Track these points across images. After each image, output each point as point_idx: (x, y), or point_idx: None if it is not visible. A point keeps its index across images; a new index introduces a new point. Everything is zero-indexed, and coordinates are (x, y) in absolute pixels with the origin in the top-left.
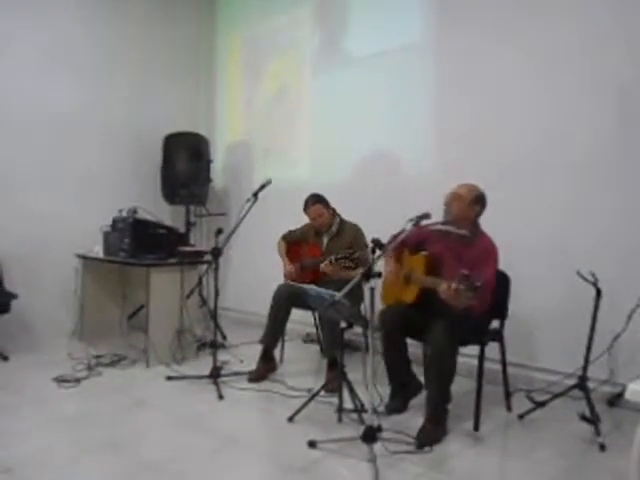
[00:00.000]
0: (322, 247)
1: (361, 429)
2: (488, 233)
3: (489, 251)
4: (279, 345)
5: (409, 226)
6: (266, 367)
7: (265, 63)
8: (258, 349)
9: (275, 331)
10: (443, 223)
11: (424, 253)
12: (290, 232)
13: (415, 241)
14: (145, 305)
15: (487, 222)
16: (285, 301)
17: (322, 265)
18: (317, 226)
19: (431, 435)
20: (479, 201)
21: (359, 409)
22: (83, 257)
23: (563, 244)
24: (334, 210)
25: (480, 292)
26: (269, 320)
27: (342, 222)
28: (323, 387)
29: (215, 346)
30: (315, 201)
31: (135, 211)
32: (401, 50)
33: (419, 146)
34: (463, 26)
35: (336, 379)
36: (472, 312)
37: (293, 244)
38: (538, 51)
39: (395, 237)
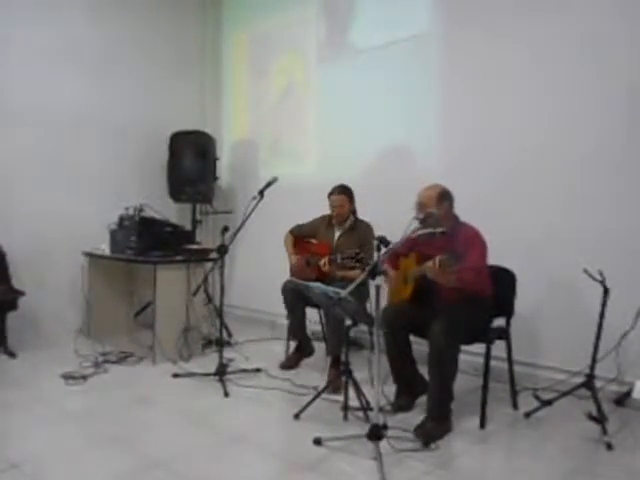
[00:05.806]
0: (332, 241)
1: (367, 427)
2: (490, 229)
3: (472, 237)
4: (285, 344)
5: (415, 224)
6: (299, 355)
7: (271, 60)
8: (264, 346)
9: (298, 322)
10: (421, 228)
11: (414, 253)
12: (298, 226)
13: (407, 250)
14: (152, 302)
15: (493, 218)
16: (293, 294)
17: (321, 263)
18: (334, 216)
19: (430, 432)
20: (444, 198)
21: (365, 407)
22: (90, 255)
23: (570, 241)
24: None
25: (461, 259)
26: (288, 315)
27: (357, 220)
28: (325, 387)
29: (221, 343)
30: (341, 191)
31: (141, 209)
32: (408, 44)
33: (426, 141)
34: (471, 20)
35: (339, 379)
36: (465, 289)
37: (301, 240)
38: (547, 48)
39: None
